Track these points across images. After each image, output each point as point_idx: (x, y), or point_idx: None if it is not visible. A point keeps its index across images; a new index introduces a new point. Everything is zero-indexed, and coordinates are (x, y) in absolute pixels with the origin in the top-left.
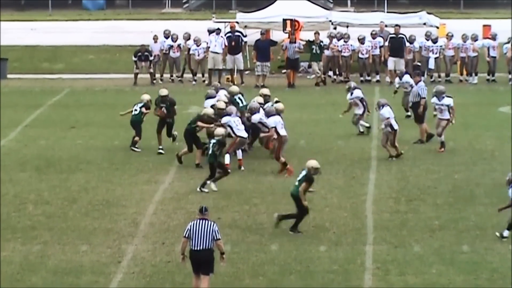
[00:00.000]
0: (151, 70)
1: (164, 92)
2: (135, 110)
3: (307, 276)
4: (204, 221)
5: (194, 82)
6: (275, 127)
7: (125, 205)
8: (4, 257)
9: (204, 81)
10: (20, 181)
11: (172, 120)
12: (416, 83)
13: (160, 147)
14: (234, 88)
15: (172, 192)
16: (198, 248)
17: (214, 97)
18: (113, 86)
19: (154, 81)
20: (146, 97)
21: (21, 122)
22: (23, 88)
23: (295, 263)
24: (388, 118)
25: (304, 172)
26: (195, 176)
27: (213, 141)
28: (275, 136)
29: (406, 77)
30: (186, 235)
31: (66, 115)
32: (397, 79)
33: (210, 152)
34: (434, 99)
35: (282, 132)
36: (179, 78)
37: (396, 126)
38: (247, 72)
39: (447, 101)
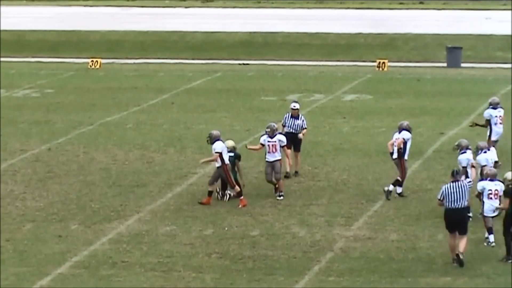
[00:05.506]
0: None
1: None
2: None
3: None
4: (456, 182)
5: None
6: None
7: None
8: None
9: None
10: None
11: None
12: None
13: None
14: None
15: None
16: (453, 207)
17: None
18: None
19: None
20: None
21: (474, 111)
22: (477, 76)
23: None
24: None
25: None
26: None
27: None
28: None
29: None
30: (441, 198)
31: None
32: None
33: None
34: None
35: None
36: None
37: None
38: None
39: None
